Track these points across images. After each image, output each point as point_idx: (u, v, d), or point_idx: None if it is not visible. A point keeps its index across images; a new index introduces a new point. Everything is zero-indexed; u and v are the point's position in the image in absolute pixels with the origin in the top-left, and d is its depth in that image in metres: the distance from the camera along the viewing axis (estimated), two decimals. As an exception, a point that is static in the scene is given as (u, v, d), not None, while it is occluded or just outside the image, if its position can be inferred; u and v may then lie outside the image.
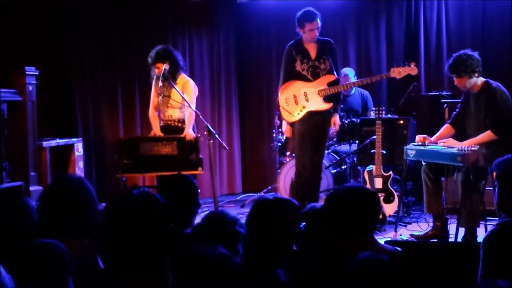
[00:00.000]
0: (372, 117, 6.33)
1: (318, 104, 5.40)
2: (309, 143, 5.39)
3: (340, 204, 2.63)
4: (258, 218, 2.51)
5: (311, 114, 5.40)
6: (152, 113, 5.70)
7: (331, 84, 5.41)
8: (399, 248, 2.70)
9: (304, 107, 5.41)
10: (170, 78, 5.48)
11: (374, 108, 5.72)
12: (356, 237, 2.58)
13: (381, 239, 4.22)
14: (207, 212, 3.28)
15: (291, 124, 5.51)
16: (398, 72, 5.41)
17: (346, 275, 2.01)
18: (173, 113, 5.63)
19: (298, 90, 5.42)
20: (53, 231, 2.63)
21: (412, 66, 5.41)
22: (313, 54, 5.42)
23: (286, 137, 6.30)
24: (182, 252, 1.99)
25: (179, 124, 5.60)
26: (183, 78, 5.62)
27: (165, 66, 5.45)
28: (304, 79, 5.41)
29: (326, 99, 5.41)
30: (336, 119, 5.48)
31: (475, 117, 4.92)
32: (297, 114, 5.42)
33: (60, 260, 2.17)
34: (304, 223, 2.82)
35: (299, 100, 5.42)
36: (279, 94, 5.51)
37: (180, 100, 5.53)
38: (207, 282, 1.85)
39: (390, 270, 1.98)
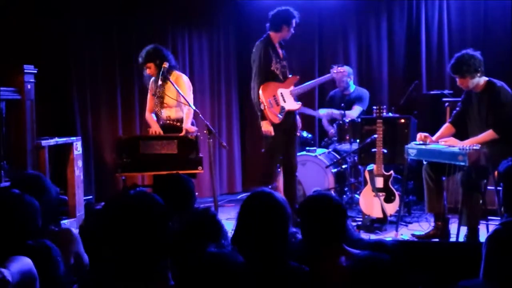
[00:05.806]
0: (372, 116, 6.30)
1: (292, 104, 5.62)
2: (285, 143, 5.63)
3: (310, 214, 2.63)
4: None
5: (288, 114, 5.61)
6: (148, 115, 5.69)
7: (295, 85, 5.69)
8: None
9: (283, 108, 5.57)
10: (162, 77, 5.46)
11: (375, 107, 5.70)
12: (325, 246, 2.58)
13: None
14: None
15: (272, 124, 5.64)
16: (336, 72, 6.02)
17: (348, 275, 1.98)
18: (171, 113, 5.60)
19: (276, 91, 5.58)
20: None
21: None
22: (281, 54, 5.61)
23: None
24: (184, 253, 1.97)
25: (178, 124, 5.57)
26: (175, 74, 5.58)
27: (164, 65, 5.42)
28: (277, 79, 5.57)
29: (296, 99, 5.66)
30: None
31: (478, 116, 4.90)
32: (280, 115, 5.58)
33: None
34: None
35: (278, 101, 5.57)
36: (261, 94, 5.51)
37: (176, 97, 5.49)
38: (208, 282, 1.83)
39: (390, 269, 1.95)
